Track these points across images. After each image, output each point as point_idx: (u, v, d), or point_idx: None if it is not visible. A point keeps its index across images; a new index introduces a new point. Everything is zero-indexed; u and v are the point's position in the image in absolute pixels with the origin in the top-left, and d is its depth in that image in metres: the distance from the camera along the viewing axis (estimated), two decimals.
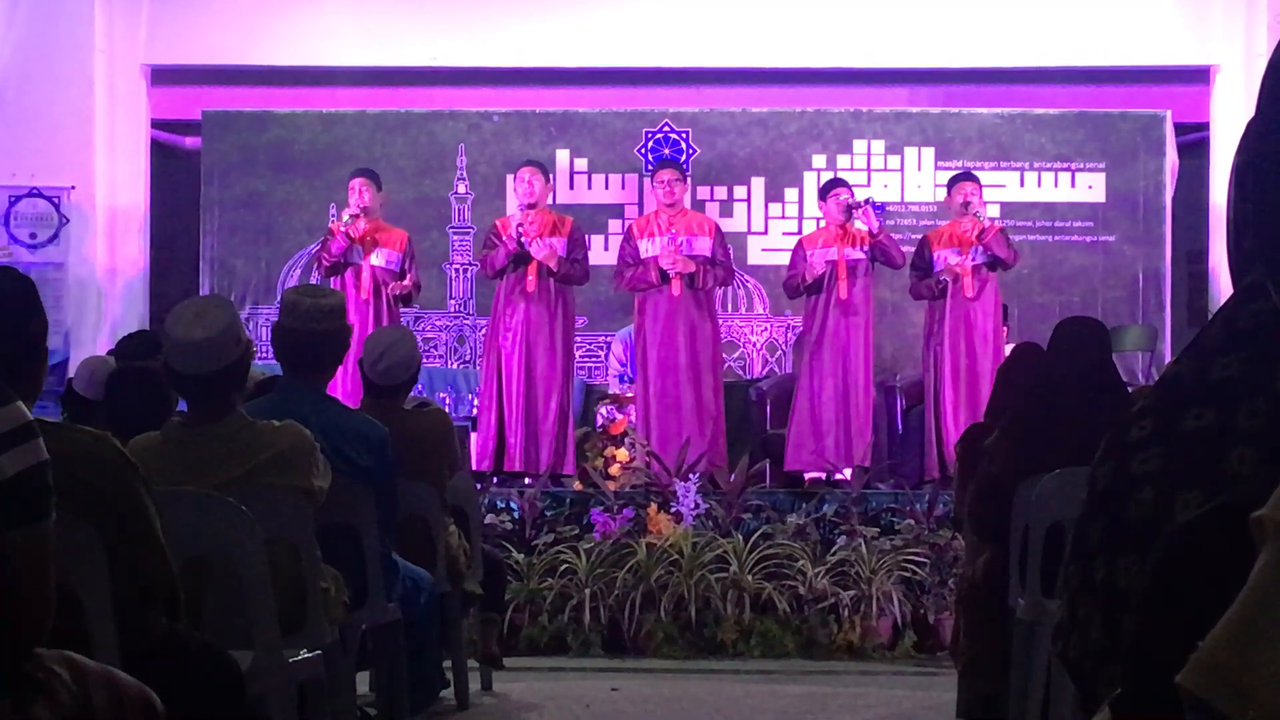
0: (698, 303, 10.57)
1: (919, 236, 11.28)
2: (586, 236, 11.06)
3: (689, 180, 11.13)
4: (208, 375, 4.53)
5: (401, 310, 11.00)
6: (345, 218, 10.65)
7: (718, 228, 10.93)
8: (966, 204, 10.67)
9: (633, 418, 10.83)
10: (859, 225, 10.61)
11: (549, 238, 10.49)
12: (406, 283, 10.68)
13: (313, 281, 11.61)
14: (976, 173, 11.44)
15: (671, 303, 10.48)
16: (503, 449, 10.36)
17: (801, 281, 10.66)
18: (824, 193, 10.95)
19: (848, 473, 10.36)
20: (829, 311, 10.56)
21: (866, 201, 10.79)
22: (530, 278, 10.41)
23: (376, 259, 10.66)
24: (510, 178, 11.82)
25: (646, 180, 12.78)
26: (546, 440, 10.37)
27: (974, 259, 10.58)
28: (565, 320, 10.57)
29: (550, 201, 10.99)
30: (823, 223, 11.05)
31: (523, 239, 10.37)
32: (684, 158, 12.37)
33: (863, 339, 10.56)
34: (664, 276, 10.49)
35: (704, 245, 10.58)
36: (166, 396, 5.52)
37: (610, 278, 12.70)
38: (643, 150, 12.98)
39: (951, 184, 11.00)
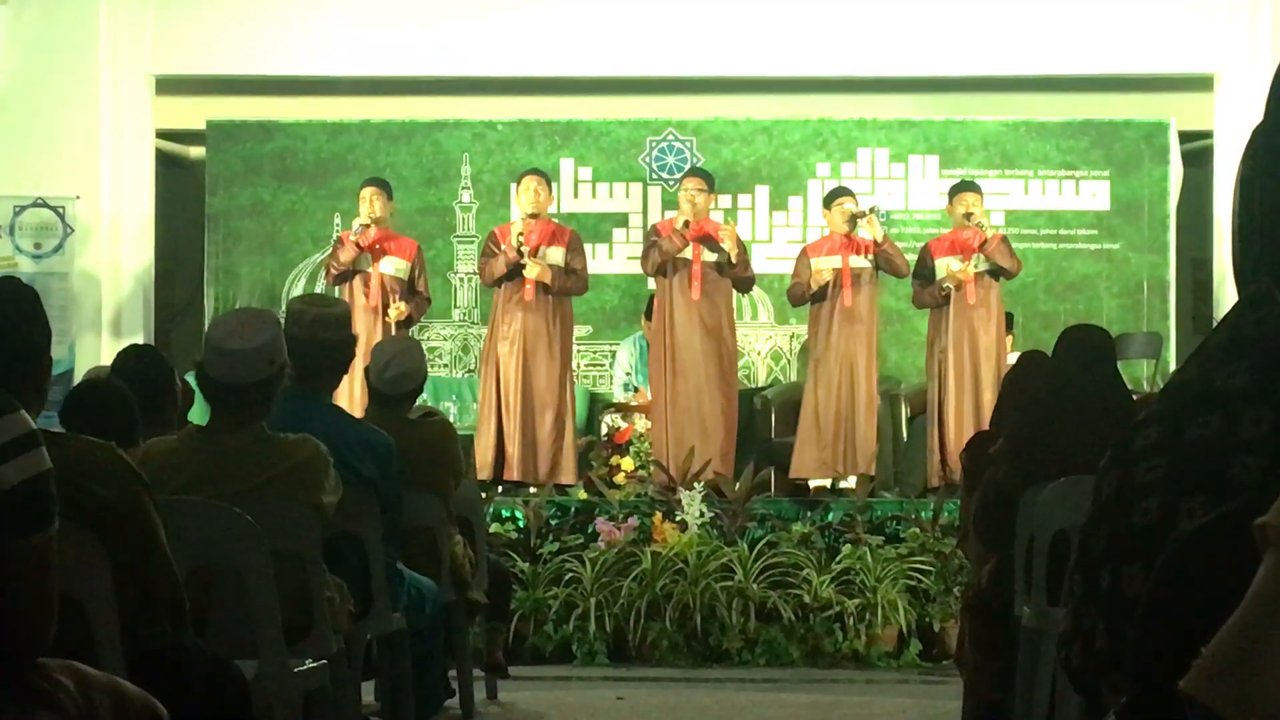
0: (715, 312, 10.56)
1: (923, 245, 11.27)
2: (589, 246, 11.07)
3: (713, 192, 11.07)
4: (237, 387, 4.56)
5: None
6: (355, 227, 10.65)
7: (739, 236, 10.93)
8: (969, 215, 10.65)
9: (638, 426, 10.83)
10: (862, 233, 10.60)
11: (548, 247, 10.49)
12: (405, 308, 10.60)
13: (320, 290, 11.63)
14: (980, 181, 11.44)
15: (691, 309, 10.48)
16: (502, 459, 10.36)
17: (806, 290, 10.66)
18: (828, 201, 10.95)
19: (852, 481, 10.35)
20: (833, 320, 10.54)
21: (871, 210, 10.77)
22: (528, 286, 10.42)
23: (386, 268, 10.65)
24: (515, 186, 11.82)
25: (655, 188, 12.80)
26: (545, 450, 10.37)
27: (976, 266, 10.57)
28: (563, 329, 10.57)
29: (551, 211, 10.98)
30: (826, 231, 11.04)
31: (523, 248, 10.37)
32: (687, 167, 12.36)
33: (867, 347, 10.55)
34: (700, 243, 10.49)
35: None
36: (128, 415, 5.45)
37: (615, 286, 12.74)
38: (647, 159, 12.99)
39: (953, 193, 10.97)
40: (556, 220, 11.30)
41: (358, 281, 10.64)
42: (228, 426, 4.65)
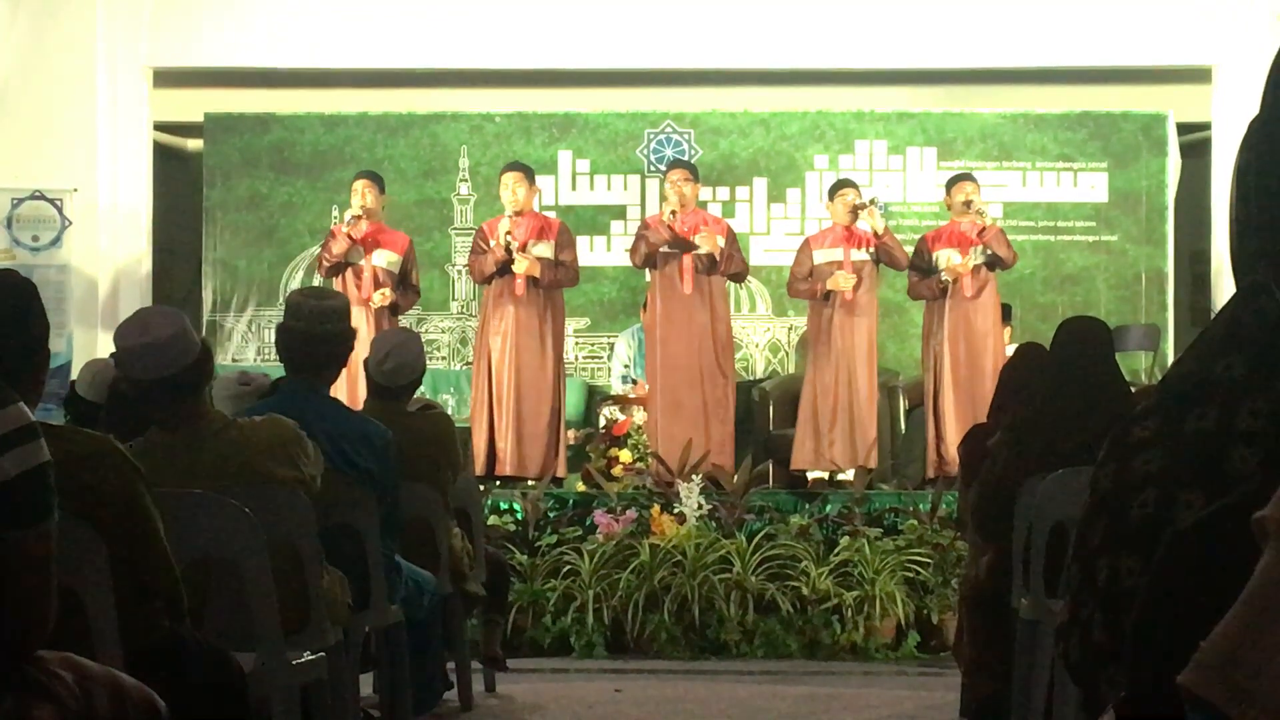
0: (709, 303, 10.55)
1: (920, 237, 11.27)
2: (586, 238, 11.06)
3: (698, 182, 11.06)
4: (169, 379, 4.47)
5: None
6: (347, 218, 10.64)
7: (730, 228, 10.94)
8: (968, 203, 10.67)
9: (636, 419, 10.82)
10: (863, 225, 10.60)
11: (536, 242, 10.46)
12: (390, 294, 10.56)
13: (312, 282, 11.62)
14: (978, 173, 11.45)
15: (683, 301, 10.48)
16: (494, 454, 10.34)
17: (813, 287, 10.60)
18: (831, 193, 10.93)
19: (850, 473, 10.36)
20: (833, 312, 10.55)
21: (872, 201, 10.77)
22: (518, 281, 10.41)
23: (378, 260, 10.64)
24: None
25: (653, 180, 12.78)
26: (538, 445, 10.36)
27: (975, 258, 10.58)
28: (555, 323, 10.56)
29: (538, 204, 10.94)
30: (826, 223, 11.05)
31: (511, 246, 10.35)
32: (687, 159, 12.36)
33: (866, 340, 10.55)
34: (681, 245, 10.47)
35: (719, 242, 10.58)
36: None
37: (613, 278, 12.73)
38: (645, 151, 12.99)
39: (951, 184, 10.99)
40: (552, 213, 11.29)
41: (349, 274, 10.63)
42: (180, 421, 4.57)
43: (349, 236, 10.57)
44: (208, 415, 4.61)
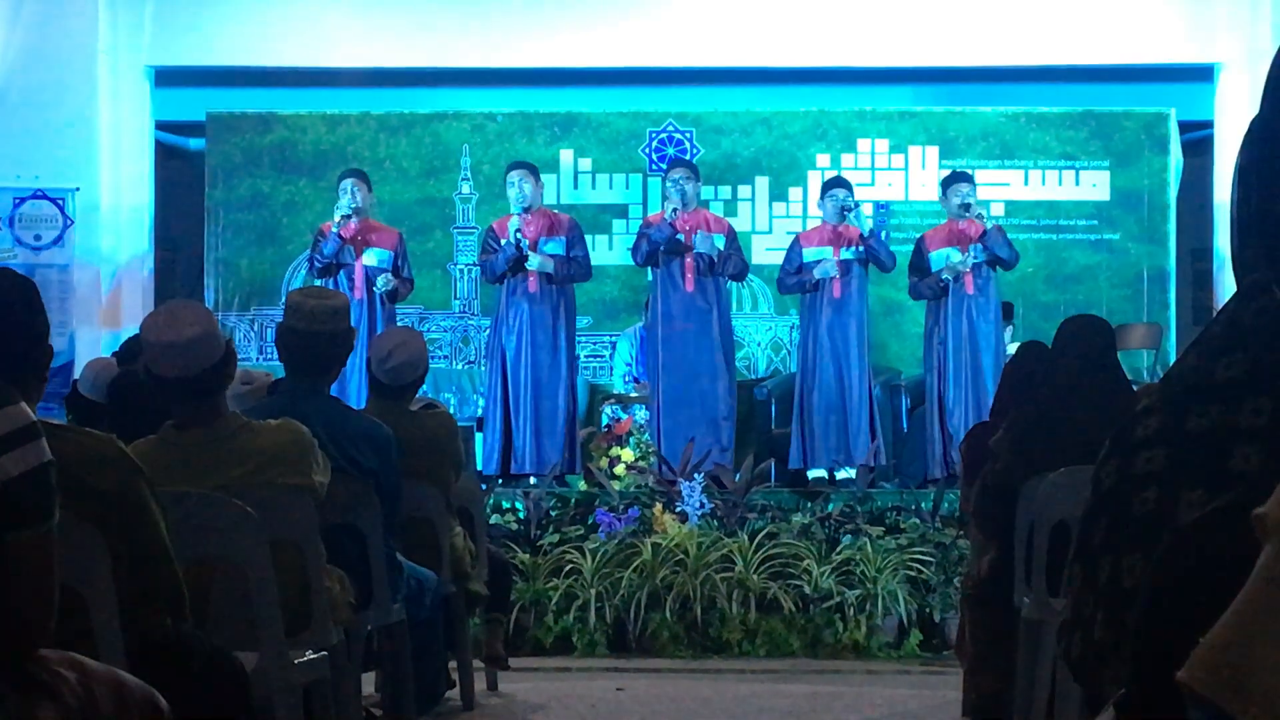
0: (711, 301, 10.57)
1: (918, 237, 11.27)
2: (589, 238, 11.06)
3: (700, 180, 11.08)
4: (191, 378, 4.49)
5: (399, 309, 10.97)
6: (337, 218, 10.66)
7: (731, 227, 10.96)
8: (966, 206, 10.66)
9: (638, 418, 10.83)
10: (851, 223, 10.62)
11: (547, 239, 10.48)
12: (394, 279, 10.63)
13: (313, 282, 11.63)
14: (980, 172, 11.44)
15: (685, 300, 10.49)
16: (509, 451, 10.35)
17: (805, 282, 10.65)
18: (822, 191, 10.97)
19: (853, 472, 10.36)
20: (824, 310, 10.58)
21: (857, 204, 10.78)
22: (531, 278, 10.42)
23: (369, 258, 10.66)
24: None
25: (655, 179, 12.79)
26: (556, 441, 10.38)
27: (975, 257, 10.59)
28: (568, 318, 10.58)
29: (542, 201, 10.96)
30: (815, 221, 11.08)
31: (523, 243, 10.37)
32: (688, 158, 12.37)
33: (857, 338, 10.57)
34: (676, 248, 10.47)
35: (719, 242, 10.60)
36: None
37: (615, 277, 12.73)
38: (647, 150, 12.99)
39: (946, 185, 10.99)
40: (556, 209, 11.30)
41: (342, 274, 10.63)
42: (199, 419, 4.58)
43: (339, 236, 10.59)
44: (225, 415, 4.62)
